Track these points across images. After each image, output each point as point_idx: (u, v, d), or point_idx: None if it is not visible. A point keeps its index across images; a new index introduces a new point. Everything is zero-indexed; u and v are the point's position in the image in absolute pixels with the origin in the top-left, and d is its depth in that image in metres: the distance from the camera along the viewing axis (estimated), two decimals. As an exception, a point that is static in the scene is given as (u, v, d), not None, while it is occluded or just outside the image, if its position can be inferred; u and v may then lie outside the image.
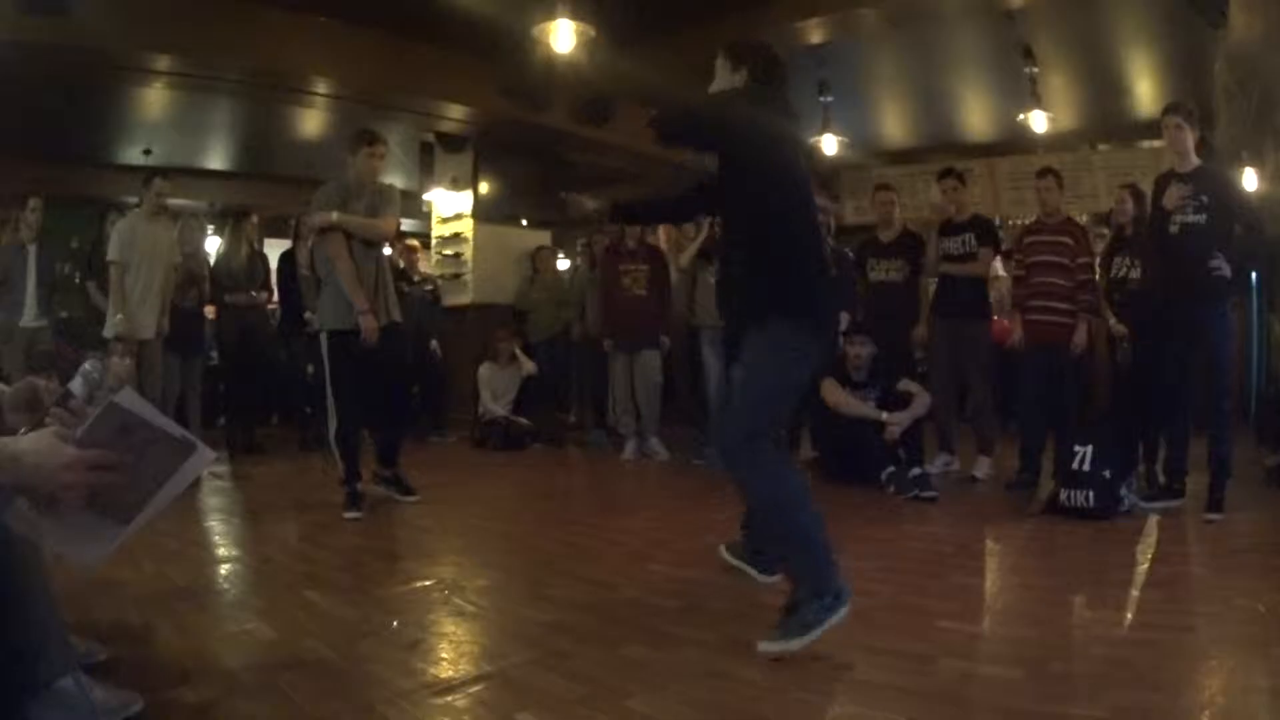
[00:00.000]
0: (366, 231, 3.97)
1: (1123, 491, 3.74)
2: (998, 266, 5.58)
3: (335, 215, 3.88)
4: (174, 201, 6.15)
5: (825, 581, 2.08)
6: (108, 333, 4.87)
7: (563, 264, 8.60)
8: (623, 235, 5.99)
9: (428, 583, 2.86)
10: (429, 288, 7.20)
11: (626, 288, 5.84)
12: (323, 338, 3.99)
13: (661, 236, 6.60)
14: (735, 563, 2.80)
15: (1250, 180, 5.92)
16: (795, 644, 2.03)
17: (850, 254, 5.46)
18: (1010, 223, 7.79)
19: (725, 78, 2.42)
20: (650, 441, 5.93)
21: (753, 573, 2.72)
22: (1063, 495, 3.75)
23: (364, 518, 3.88)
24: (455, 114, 7.01)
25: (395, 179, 8.44)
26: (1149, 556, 3.09)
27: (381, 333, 3.93)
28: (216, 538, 3.63)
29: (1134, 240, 4.47)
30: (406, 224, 8.21)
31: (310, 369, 6.22)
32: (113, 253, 4.94)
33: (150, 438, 1.20)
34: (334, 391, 3.96)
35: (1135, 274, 4.43)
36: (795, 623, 2.06)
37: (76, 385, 1.32)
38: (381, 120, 7.10)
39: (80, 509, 1.16)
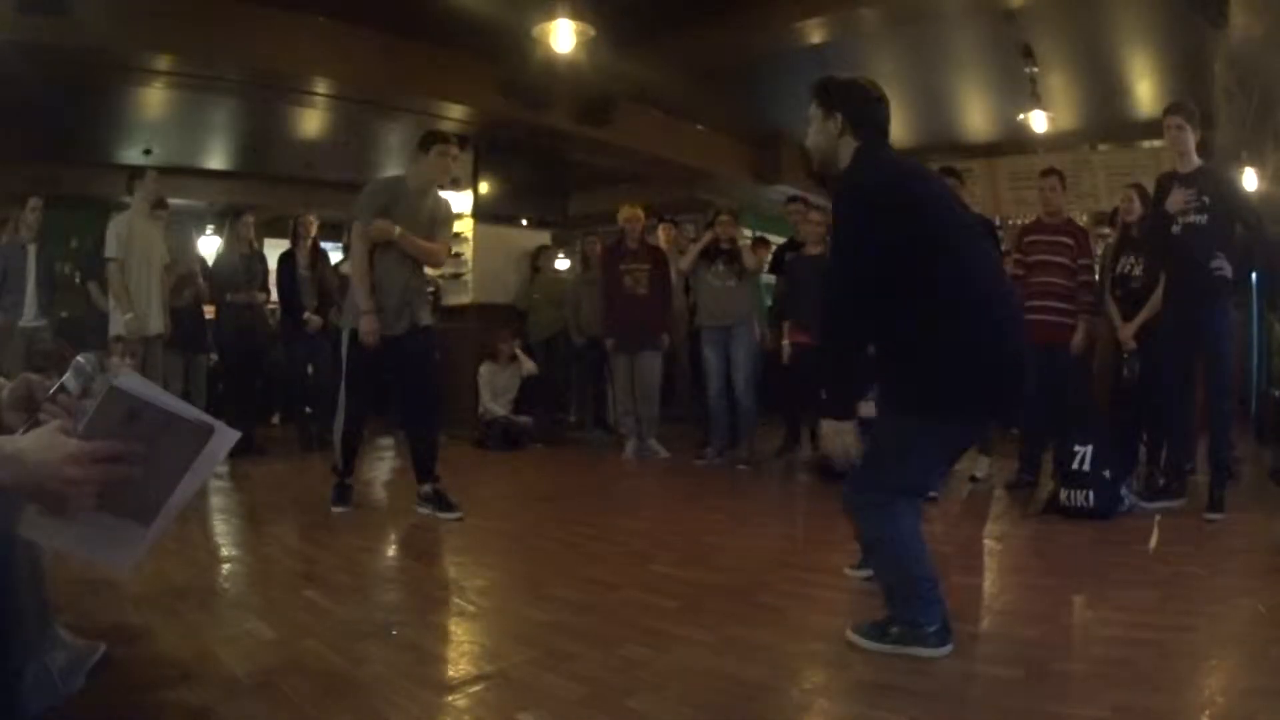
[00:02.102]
0: (423, 257, 3.83)
1: (1123, 491, 3.74)
2: None
3: (398, 231, 3.70)
4: (173, 201, 6.16)
5: (916, 614, 2.09)
6: (116, 331, 4.91)
7: (562, 264, 8.59)
8: (623, 235, 5.99)
9: (428, 583, 2.86)
10: (431, 289, 7.19)
11: (628, 287, 5.83)
12: (345, 333, 3.91)
13: (661, 237, 6.60)
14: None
15: (1250, 180, 5.93)
16: (874, 645, 2.10)
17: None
18: (1010, 222, 7.80)
19: (820, 126, 2.19)
20: (649, 441, 5.93)
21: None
22: (1063, 495, 3.76)
23: (355, 515, 3.90)
24: (455, 114, 6.99)
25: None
26: (1149, 556, 3.09)
27: (407, 337, 3.83)
28: (216, 538, 3.63)
29: (1140, 240, 4.48)
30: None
31: (310, 369, 6.23)
32: (111, 250, 4.95)
33: (161, 423, 1.08)
34: (347, 387, 3.91)
35: (1139, 271, 4.44)
36: (891, 633, 2.10)
37: (69, 379, 1.26)
38: (381, 120, 7.11)
39: (93, 509, 1.05)
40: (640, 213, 6.08)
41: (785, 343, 5.44)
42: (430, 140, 3.85)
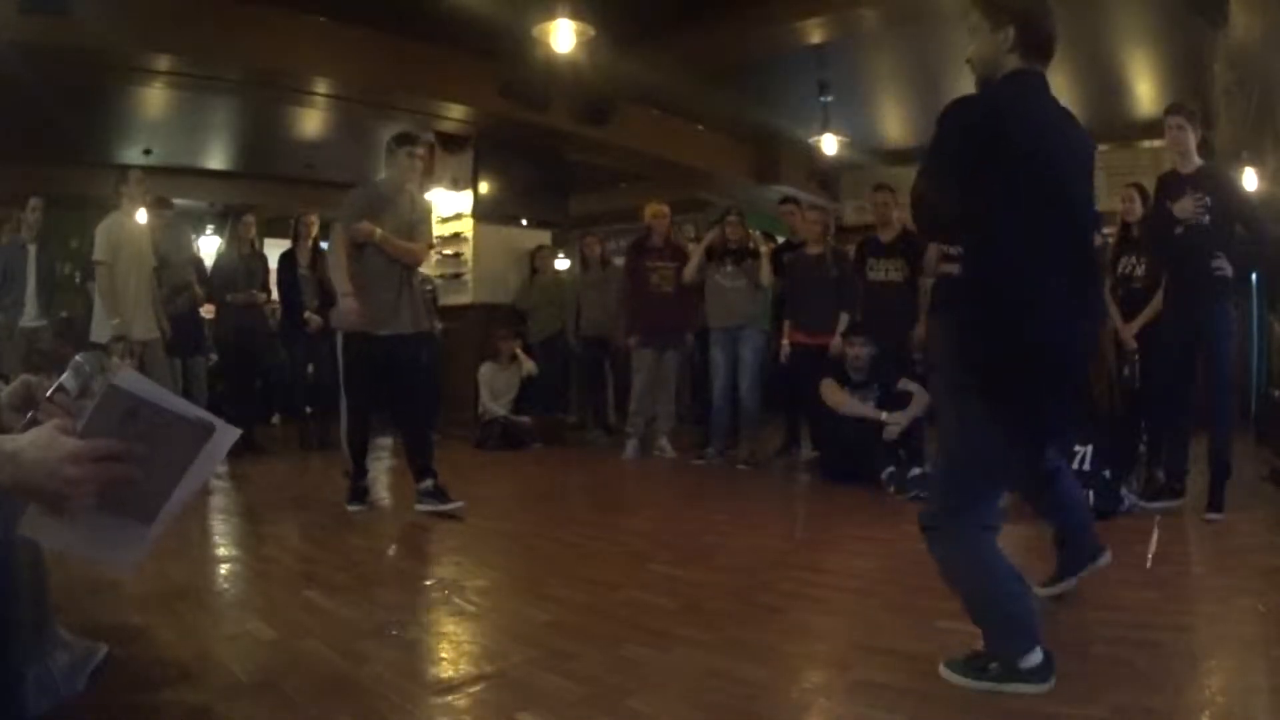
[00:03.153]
0: (404, 256, 3.87)
1: (1123, 491, 3.74)
2: None
3: (379, 233, 3.76)
4: (174, 201, 6.15)
5: (1005, 648, 1.89)
6: (101, 336, 4.83)
7: (562, 264, 8.59)
8: (649, 232, 5.97)
9: (428, 583, 2.86)
10: (429, 288, 7.20)
11: (654, 285, 5.80)
12: (339, 339, 3.95)
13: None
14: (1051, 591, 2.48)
15: (1250, 180, 5.92)
16: (973, 684, 1.89)
17: (850, 254, 5.47)
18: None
19: (986, 39, 2.00)
20: (661, 440, 5.92)
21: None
22: (1063, 495, 3.75)
23: (366, 513, 3.92)
24: (455, 114, 7.00)
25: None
26: (1149, 556, 3.08)
27: (405, 340, 3.87)
28: (216, 538, 3.63)
29: (1141, 240, 4.48)
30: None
31: (311, 369, 6.22)
32: (99, 253, 4.88)
33: (161, 421, 1.07)
34: (345, 392, 3.95)
35: (1140, 271, 4.44)
36: (990, 670, 1.89)
37: (68, 378, 1.25)
38: (381, 120, 7.10)
39: (93, 509, 1.04)
40: (666, 209, 6.03)
41: (784, 343, 5.44)
42: (398, 141, 3.92)
